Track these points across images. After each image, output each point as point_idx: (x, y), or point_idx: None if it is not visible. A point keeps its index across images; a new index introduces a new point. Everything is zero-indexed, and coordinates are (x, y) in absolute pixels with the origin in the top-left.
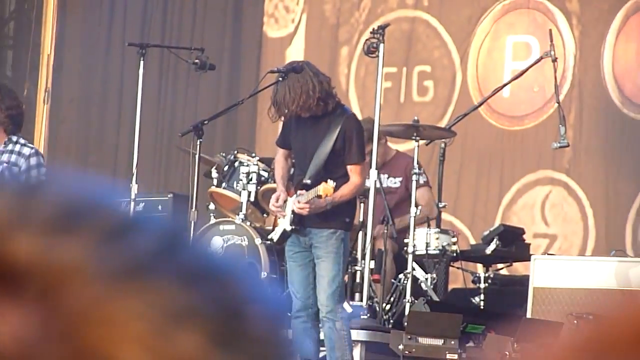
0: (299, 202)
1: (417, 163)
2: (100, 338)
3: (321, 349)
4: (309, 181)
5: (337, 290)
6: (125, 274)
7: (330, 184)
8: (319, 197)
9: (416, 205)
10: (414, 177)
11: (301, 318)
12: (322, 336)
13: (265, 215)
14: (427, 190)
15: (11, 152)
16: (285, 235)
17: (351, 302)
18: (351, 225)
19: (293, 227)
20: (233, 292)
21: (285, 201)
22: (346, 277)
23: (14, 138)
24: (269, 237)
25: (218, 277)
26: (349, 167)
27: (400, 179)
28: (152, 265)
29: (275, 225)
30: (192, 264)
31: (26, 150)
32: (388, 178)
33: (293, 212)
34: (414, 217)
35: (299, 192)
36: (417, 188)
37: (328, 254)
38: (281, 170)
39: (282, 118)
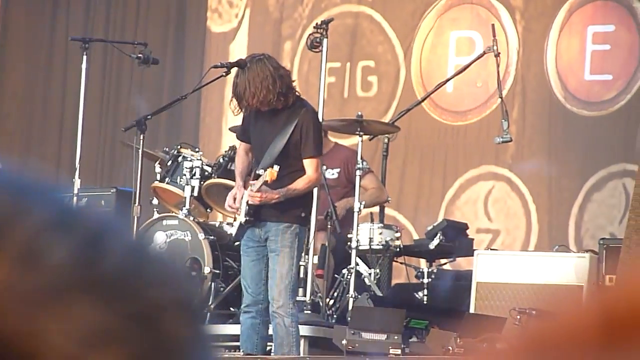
0: (251, 191)
1: (361, 157)
2: (20, 356)
3: (269, 343)
4: (261, 172)
5: (289, 285)
6: (43, 295)
7: (275, 168)
8: (266, 182)
9: (365, 191)
10: (358, 173)
11: (250, 313)
12: (270, 331)
13: (208, 210)
14: (372, 176)
15: None
16: (242, 229)
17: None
18: (308, 221)
19: (247, 218)
20: (152, 300)
21: (242, 198)
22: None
23: None
24: (228, 232)
25: (137, 286)
26: (304, 161)
27: (338, 170)
28: (67, 283)
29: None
30: (111, 277)
31: None
32: (326, 170)
33: (248, 204)
34: (359, 212)
35: (250, 182)
36: (362, 176)
37: (282, 248)
38: (241, 164)
39: (244, 112)
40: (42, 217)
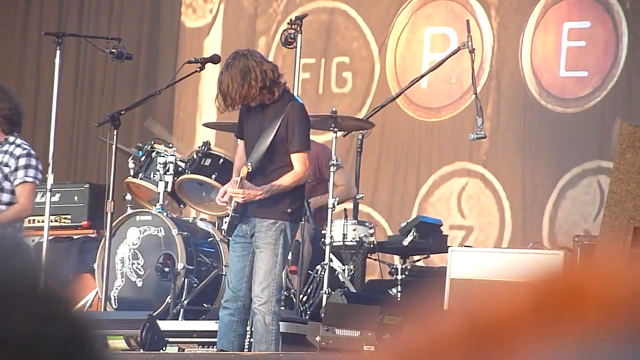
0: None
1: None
2: None
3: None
4: (248, 172)
5: (272, 283)
6: None
7: (248, 165)
8: (242, 179)
9: (335, 187)
10: (332, 169)
11: (228, 310)
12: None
13: (182, 206)
14: (342, 172)
15: (5, 152)
16: (231, 224)
17: None
18: (296, 217)
19: (233, 214)
20: (74, 320)
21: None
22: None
23: (11, 138)
24: (221, 229)
25: (61, 304)
26: (292, 156)
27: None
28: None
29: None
30: (36, 292)
31: (17, 151)
32: None
33: (235, 200)
34: (332, 208)
35: (233, 179)
36: (334, 173)
37: (266, 245)
38: (238, 161)
39: (229, 109)
40: None
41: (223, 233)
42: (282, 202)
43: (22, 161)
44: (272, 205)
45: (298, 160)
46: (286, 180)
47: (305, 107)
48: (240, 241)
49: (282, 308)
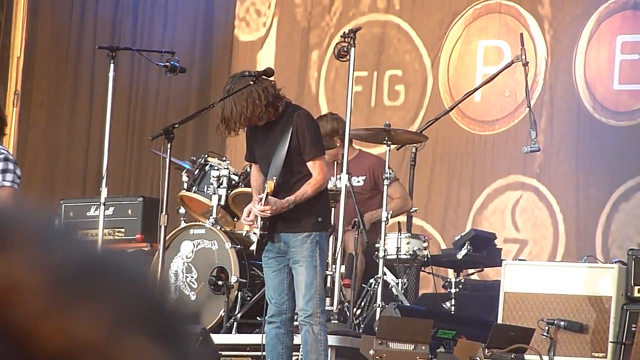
0: (260, 205)
1: (388, 166)
2: (55, 348)
3: (294, 353)
4: (275, 182)
5: (315, 295)
6: (68, 283)
7: (274, 179)
8: (268, 195)
9: (389, 202)
10: (386, 182)
11: (274, 324)
12: (297, 340)
13: (235, 219)
14: (398, 184)
15: None
16: (260, 243)
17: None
18: (326, 225)
19: (262, 232)
20: (162, 295)
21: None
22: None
23: None
24: (250, 248)
25: (149, 282)
26: (308, 164)
27: (364, 177)
28: (88, 273)
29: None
30: (126, 271)
31: None
32: (351, 177)
33: (262, 218)
34: (386, 221)
35: (257, 197)
36: (388, 185)
37: (303, 259)
38: (255, 182)
39: (232, 133)
40: (38, 224)
41: (253, 252)
42: (311, 213)
43: (0, 166)
44: (301, 219)
45: (314, 167)
46: (306, 188)
47: (311, 114)
48: (273, 256)
49: (336, 321)
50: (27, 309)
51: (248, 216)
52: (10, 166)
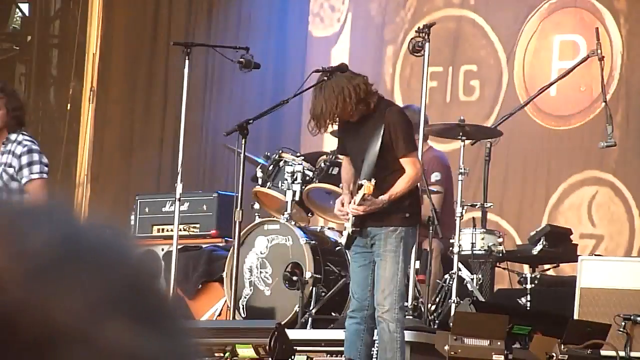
0: (353, 203)
1: (462, 162)
2: (35, 335)
3: (372, 349)
4: (364, 181)
5: (394, 290)
6: (45, 269)
7: (372, 181)
8: (365, 196)
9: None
10: (460, 178)
11: (355, 319)
12: (375, 336)
13: (310, 214)
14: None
15: (9, 152)
16: (350, 238)
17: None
18: (413, 221)
19: (354, 228)
20: (138, 272)
21: (349, 204)
22: None
23: (13, 136)
24: (339, 242)
25: (125, 260)
26: (401, 160)
27: (438, 173)
28: (68, 257)
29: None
30: (100, 252)
31: (18, 150)
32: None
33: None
34: (460, 217)
35: (355, 194)
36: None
37: (387, 253)
38: (346, 175)
39: (323, 130)
40: (16, 208)
41: (342, 246)
42: (399, 208)
43: (25, 159)
44: (389, 213)
45: (408, 163)
46: (401, 185)
47: (403, 110)
48: (360, 251)
49: (410, 317)
50: (5, 298)
51: (342, 206)
52: (35, 157)
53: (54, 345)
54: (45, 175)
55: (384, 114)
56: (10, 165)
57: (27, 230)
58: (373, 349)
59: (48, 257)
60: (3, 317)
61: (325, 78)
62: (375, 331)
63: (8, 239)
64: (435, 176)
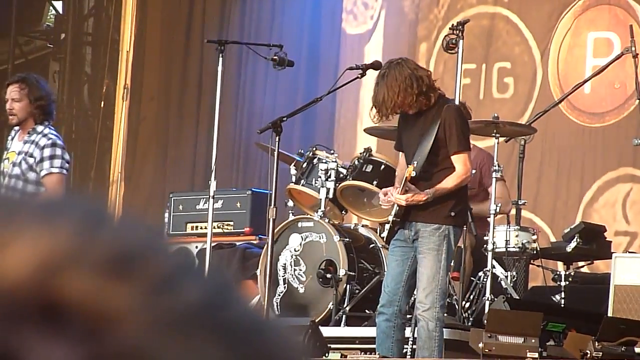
0: (397, 192)
1: (497, 160)
2: (97, 326)
3: (405, 346)
4: (413, 173)
5: (436, 289)
6: (171, 326)
7: (414, 164)
8: (407, 180)
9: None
10: (494, 174)
11: (384, 315)
12: (408, 333)
13: (343, 212)
14: (502, 185)
15: (32, 142)
16: (391, 230)
17: None
18: (460, 220)
19: (394, 218)
20: (273, 352)
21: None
22: None
23: (39, 128)
24: (381, 236)
25: (258, 338)
26: (452, 157)
27: (474, 171)
28: (197, 320)
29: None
30: (236, 323)
31: (42, 141)
32: None
33: (398, 205)
34: (494, 214)
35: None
36: (494, 182)
37: (429, 251)
38: (399, 170)
39: (384, 119)
40: (172, 258)
41: (383, 240)
42: (445, 206)
43: (47, 152)
44: (435, 210)
45: (459, 160)
46: (449, 182)
47: (461, 109)
48: (400, 245)
49: (445, 315)
50: (123, 342)
51: (385, 195)
52: (58, 152)
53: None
54: (65, 172)
55: (442, 110)
56: (32, 155)
57: (168, 288)
58: (406, 346)
59: (186, 319)
60: (70, 305)
61: (380, 79)
62: (409, 328)
63: (145, 290)
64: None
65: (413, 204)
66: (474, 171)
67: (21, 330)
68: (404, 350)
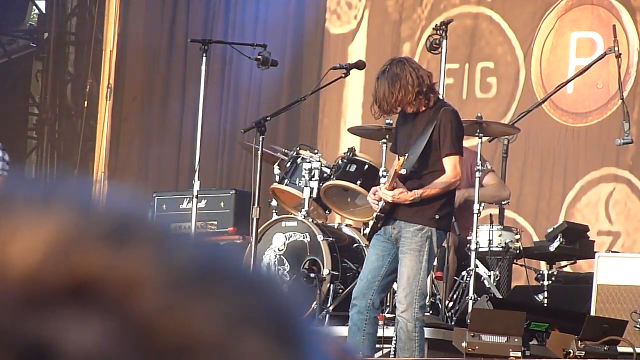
0: (384, 186)
1: (481, 158)
2: (175, 343)
3: (386, 346)
4: (403, 171)
5: (415, 290)
6: (188, 280)
7: (406, 156)
8: (396, 173)
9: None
10: (477, 174)
11: (356, 307)
12: (390, 333)
13: (327, 212)
14: (493, 175)
15: None
16: (375, 225)
17: None
18: (444, 223)
19: (378, 214)
20: (281, 296)
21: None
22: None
23: None
24: (364, 232)
25: (267, 283)
26: (444, 160)
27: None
28: (209, 273)
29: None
30: (244, 272)
31: None
32: None
33: (385, 201)
34: (477, 214)
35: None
36: (483, 175)
37: (411, 251)
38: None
39: (385, 115)
40: (160, 222)
41: (366, 237)
42: (431, 207)
43: None
44: (420, 210)
45: (449, 163)
46: (437, 185)
47: (458, 113)
48: (382, 240)
49: (428, 314)
50: (148, 304)
51: (374, 195)
52: None
53: (192, 354)
54: (5, 174)
55: (438, 112)
56: None
57: (174, 241)
58: (388, 346)
59: (191, 271)
60: (143, 325)
61: (380, 75)
62: (391, 327)
63: (157, 246)
64: (487, 166)
65: (399, 202)
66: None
67: (52, 314)
68: (375, 345)
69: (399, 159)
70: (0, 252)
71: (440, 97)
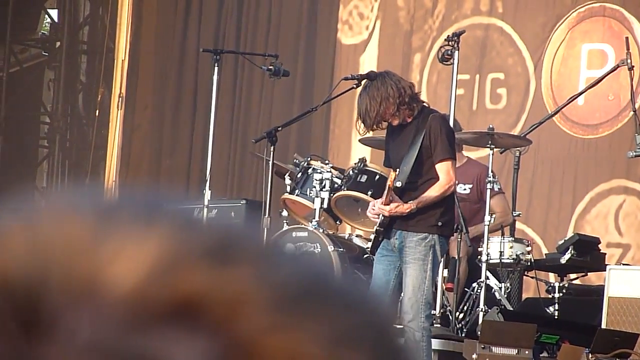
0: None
1: (492, 171)
2: None
3: None
4: (399, 184)
5: (421, 298)
6: (291, 299)
7: (396, 171)
8: (389, 188)
9: (491, 214)
10: (488, 185)
11: None
12: None
13: (338, 222)
14: (501, 198)
15: None
16: (376, 240)
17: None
18: (445, 230)
19: (378, 228)
20: (380, 313)
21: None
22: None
23: None
24: (365, 246)
25: (366, 301)
26: (437, 166)
27: (471, 185)
28: (312, 292)
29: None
30: (345, 289)
31: None
32: (458, 184)
33: (383, 215)
34: (488, 225)
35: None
36: (491, 196)
37: (415, 260)
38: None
39: (369, 130)
40: (262, 241)
41: (368, 251)
42: (432, 215)
43: None
44: (421, 219)
45: (442, 169)
46: (432, 192)
47: (446, 118)
48: (386, 254)
49: (438, 325)
50: (252, 324)
51: (374, 208)
52: None
53: None
54: None
55: (427, 120)
56: None
57: (277, 260)
58: None
59: (294, 290)
60: (247, 345)
61: (363, 91)
62: (402, 338)
63: (260, 265)
64: (497, 185)
65: (397, 215)
66: (470, 186)
67: (157, 334)
68: None
69: (391, 174)
70: (105, 271)
71: (427, 105)
